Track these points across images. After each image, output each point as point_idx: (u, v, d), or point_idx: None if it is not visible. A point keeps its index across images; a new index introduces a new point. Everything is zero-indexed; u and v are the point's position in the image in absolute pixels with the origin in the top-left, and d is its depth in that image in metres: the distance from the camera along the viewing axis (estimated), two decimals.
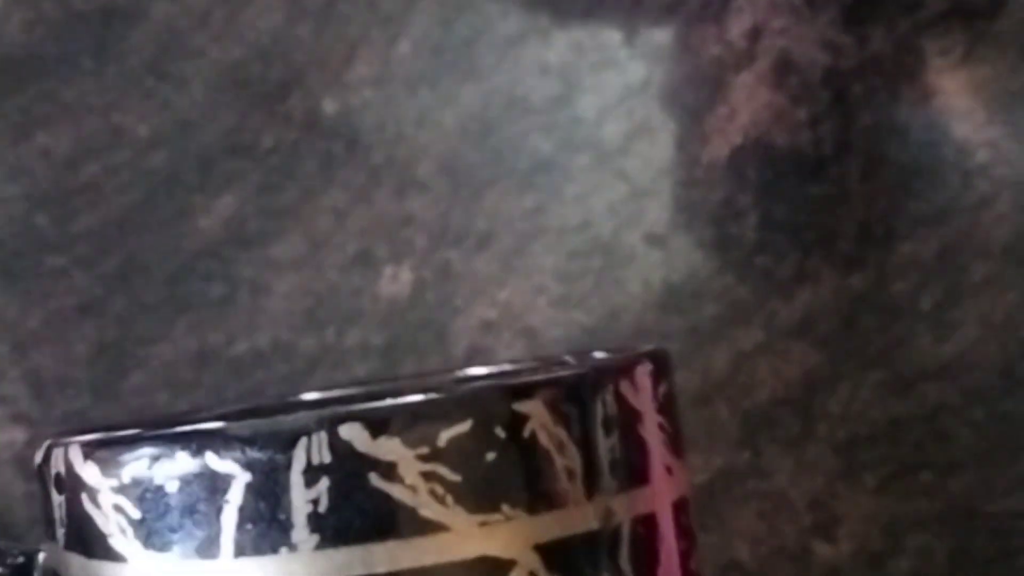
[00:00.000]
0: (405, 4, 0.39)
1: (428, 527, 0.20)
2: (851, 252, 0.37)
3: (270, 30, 0.40)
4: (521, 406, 0.21)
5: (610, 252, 0.38)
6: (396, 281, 0.38)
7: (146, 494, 0.21)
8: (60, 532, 0.22)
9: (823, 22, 0.38)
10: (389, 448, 0.20)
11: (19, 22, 0.40)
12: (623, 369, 0.23)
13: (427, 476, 0.20)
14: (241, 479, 0.20)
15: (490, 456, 0.20)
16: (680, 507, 0.23)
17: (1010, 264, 0.36)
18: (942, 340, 0.36)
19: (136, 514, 0.21)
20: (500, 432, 0.21)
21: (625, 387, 0.22)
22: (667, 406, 0.24)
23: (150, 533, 0.21)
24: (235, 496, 0.20)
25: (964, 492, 0.36)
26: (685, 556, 0.23)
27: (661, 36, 0.39)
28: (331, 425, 0.20)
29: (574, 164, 0.38)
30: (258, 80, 0.40)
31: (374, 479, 0.20)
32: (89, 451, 0.22)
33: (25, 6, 0.40)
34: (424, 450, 0.20)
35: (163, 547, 0.21)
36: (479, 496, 0.20)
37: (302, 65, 0.39)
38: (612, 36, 0.39)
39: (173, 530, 0.20)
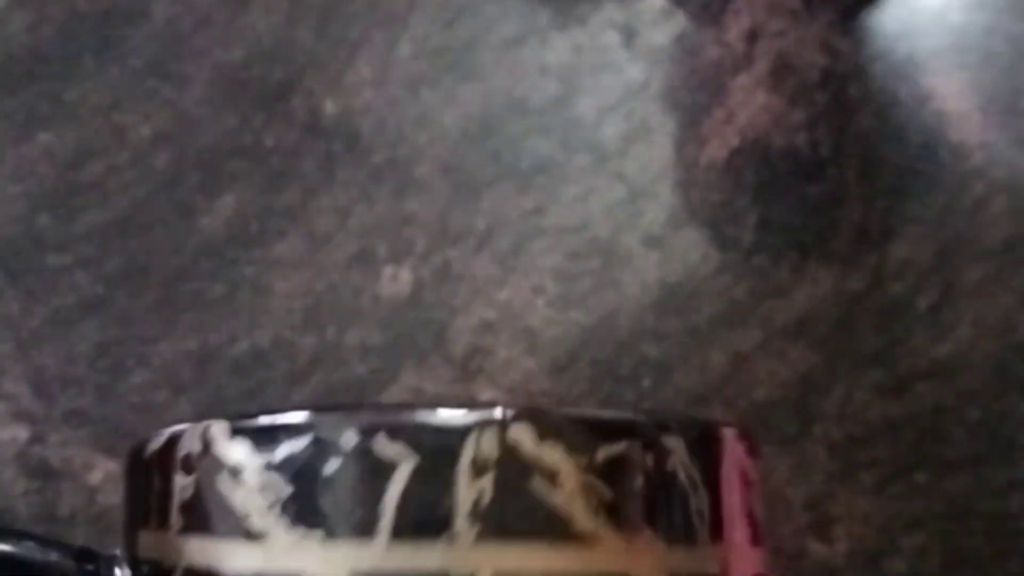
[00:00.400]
0: (405, 6, 0.40)
1: (580, 537, 0.21)
2: (848, 253, 0.37)
3: (271, 31, 0.40)
4: (666, 440, 0.22)
5: (608, 253, 0.38)
6: (396, 281, 0.38)
7: (302, 472, 0.21)
8: (176, 517, 0.22)
9: (821, 25, 0.38)
10: (553, 454, 0.21)
11: (22, 22, 0.40)
12: (745, 434, 0.23)
13: (585, 488, 0.21)
14: (407, 465, 0.20)
15: (639, 481, 0.21)
16: None
17: (1006, 265, 0.36)
18: (938, 341, 0.36)
19: (287, 491, 0.21)
20: (649, 460, 0.21)
21: (742, 451, 0.23)
22: (761, 488, 0.24)
23: (300, 510, 0.21)
24: (399, 480, 0.20)
25: (960, 492, 0.36)
26: None
27: (660, 38, 0.39)
28: (501, 424, 0.21)
29: (573, 165, 0.38)
30: (259, 81, 0.40)
31: (536, 482, 0.21)
32: (239, 429, 0.22)
33: (28, 7, 0.40)
34: (585, 461, 0.21)
35: (313, 524, 0.21)
36: (628, 517, 0.21)
37: (303, 66, 0.40)
38: (611, 38, 0.39)
39: (328, 509, 0.21)
